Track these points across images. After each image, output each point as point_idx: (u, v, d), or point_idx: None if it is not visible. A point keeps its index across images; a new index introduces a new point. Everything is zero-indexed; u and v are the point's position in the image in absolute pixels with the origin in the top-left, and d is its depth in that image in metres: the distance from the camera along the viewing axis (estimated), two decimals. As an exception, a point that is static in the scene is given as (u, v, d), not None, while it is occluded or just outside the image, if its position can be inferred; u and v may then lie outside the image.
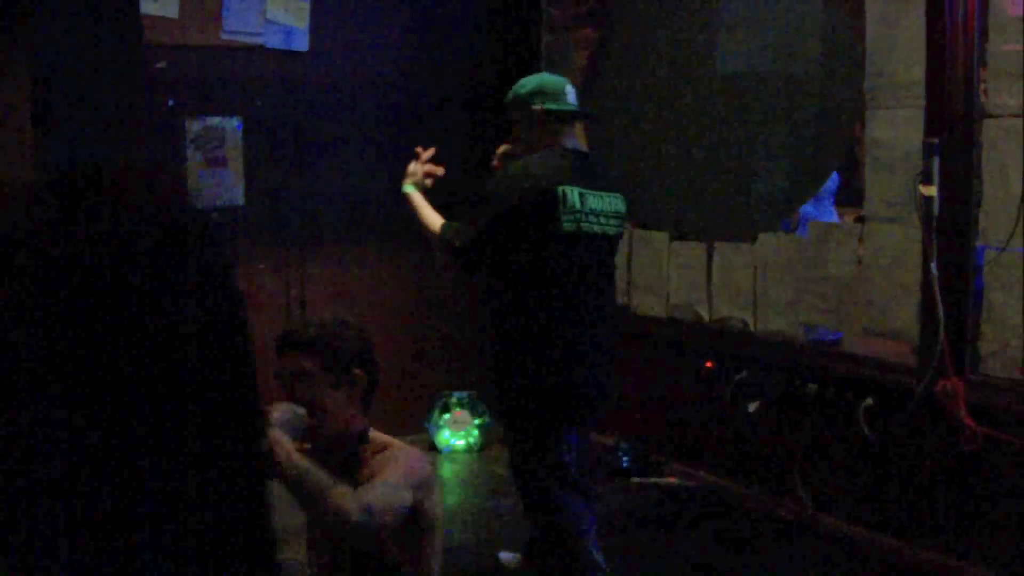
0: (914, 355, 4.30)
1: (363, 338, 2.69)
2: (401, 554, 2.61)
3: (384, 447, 2.65)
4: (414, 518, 2.58)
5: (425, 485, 2.59)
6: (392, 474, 2.53)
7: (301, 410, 2.56)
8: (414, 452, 2.68)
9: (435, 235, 3.69)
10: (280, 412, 2.54)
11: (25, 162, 4.12)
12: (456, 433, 6.08)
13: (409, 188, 3.83)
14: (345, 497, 2.41)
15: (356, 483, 2.53)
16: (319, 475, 2.42)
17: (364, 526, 2.41)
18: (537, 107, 3.71)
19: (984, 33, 3.97)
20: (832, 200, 5.53)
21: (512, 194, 3.53)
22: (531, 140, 3.75)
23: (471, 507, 5.29)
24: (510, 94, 3.84)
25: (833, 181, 5.25)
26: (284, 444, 2.48)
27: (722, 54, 5.20)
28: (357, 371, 2.63)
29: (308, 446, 2.63)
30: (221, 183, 5.47)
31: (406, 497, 2.51)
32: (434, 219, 3.73)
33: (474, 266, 3.69)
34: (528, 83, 3.82)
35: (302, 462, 2.45)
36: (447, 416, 6.09)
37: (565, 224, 3.52)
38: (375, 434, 2.70)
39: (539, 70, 6.39)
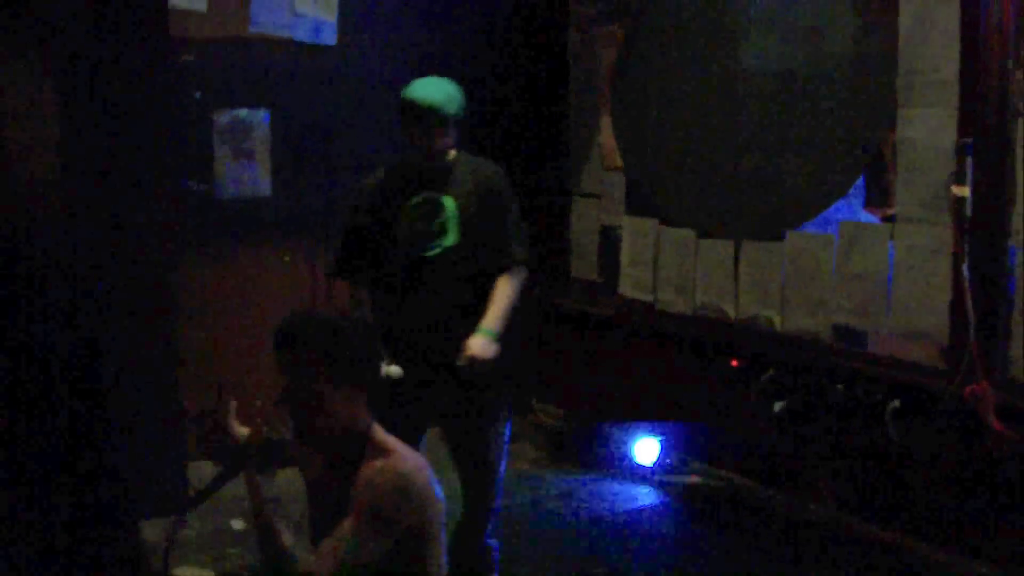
0: (943, 357, 4.25)
1: (368, 334, 2.66)
2: (402, 564, 2.58)
3: (384, 452, 2.59)
4: (409, 541, 2.55)
5: (416, 510, 2.53)
6: (370, 513, 2.49)
7: (283, 432, 2.54)
8: (402, 475, 2.55)
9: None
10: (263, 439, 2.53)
11: (51, 159, 4.13)
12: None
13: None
14: (312, 565, 2.43)
15: (351, 489, 2.53)
16: (284, 542, 2.44)
17: None
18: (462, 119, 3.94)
19: (1020, 31, 3.91)
20: (861, 199, 5.47)
21: None
22: (452, 147, 3.90)
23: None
24: (457, 105, 3.86)
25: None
26: (258, 492, 2.49)
27: (751, 51, 5.16)
28: (363, 369, 2.60)
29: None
30: (248, 175, 5.48)
31: (385, 538, 2.50)
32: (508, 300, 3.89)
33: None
34: (458, 92, 3.91)
35: (271, 520, 2.46)
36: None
37: None
38: (379, 435, 2.64)
39: (567, 68, 6.38)
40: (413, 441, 3.69)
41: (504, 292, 3.88)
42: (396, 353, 3.72)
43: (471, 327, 3.80)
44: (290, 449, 2.58)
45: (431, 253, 3.83)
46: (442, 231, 3.85)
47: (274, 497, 2.50)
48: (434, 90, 3.84)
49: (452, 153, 3.93)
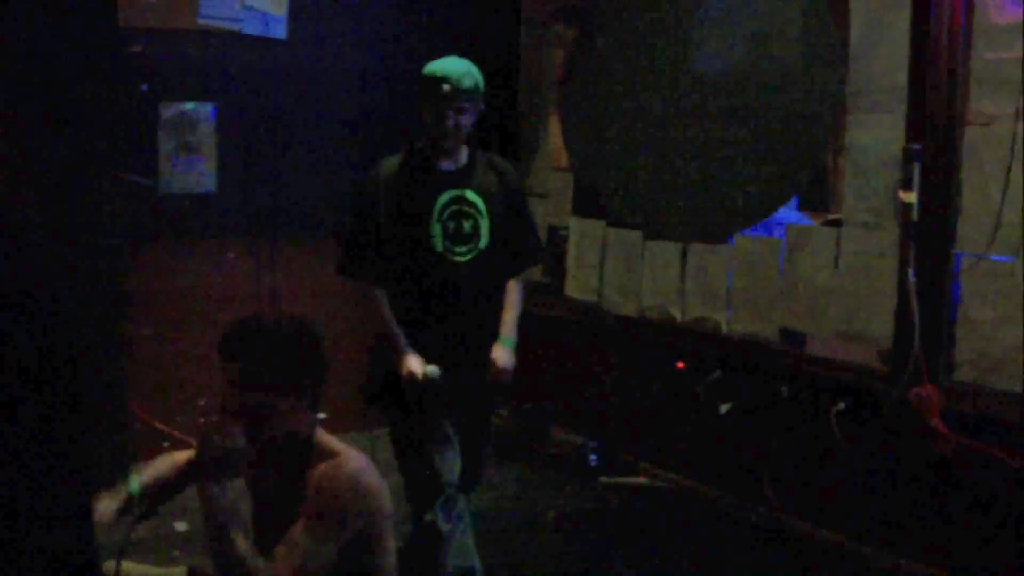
0: (889, 360, 4.31)
1: (312, 337, 2.60)
2: (356, 564, 2.57)
3: (330, 454, 2.56)
4: (359, 542, 2.54)
5: (366, 510, 2.53)
6: (323, 514, 2.47)
7: (237, 440, 2.49)
8: (351, 476, 2.53)
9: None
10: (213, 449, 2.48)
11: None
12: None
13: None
14: (270, 572, 2.40)
15: (300, 494, 2.51)
16: (239, 549, 2.41)
17: None
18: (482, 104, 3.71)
19: (969, 40, 3.98)
20: (794, 202, 5.51)
21: None
22: (467, 137, 3.70)
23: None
24: (482, 83, 3.64)
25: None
26: (211, 501, 2.44)
27: (700, 53, 5.19)
28: (306, 374, 2.56)
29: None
30: (193, 170, 5.39)
31: (339, 539, 2.49)
32: (521, 306, 3.82)
33: None
34: (480, 73, 3.67)
35: (226, 529, 2.42)
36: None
37: None
38: (323, 437, 2.62)
39: (517, 67, 6.37)
40: (444, 435, 3.63)
41: (517, 298, 3.80)
42: (424, 352, 3.60)
43: (493, 330, 3.74)
44: (244, 457, 2.53)
45: (466, 258, 3.65)
46: (475, 233, 3.67)
47: (228, 505, 2.45)
48: (467, 68, 3.62)
49: (467, 148, 3.74)
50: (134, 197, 5.16)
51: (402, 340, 3.61)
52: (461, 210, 3.64)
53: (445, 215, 3.62)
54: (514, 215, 3.78)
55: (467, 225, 3.65)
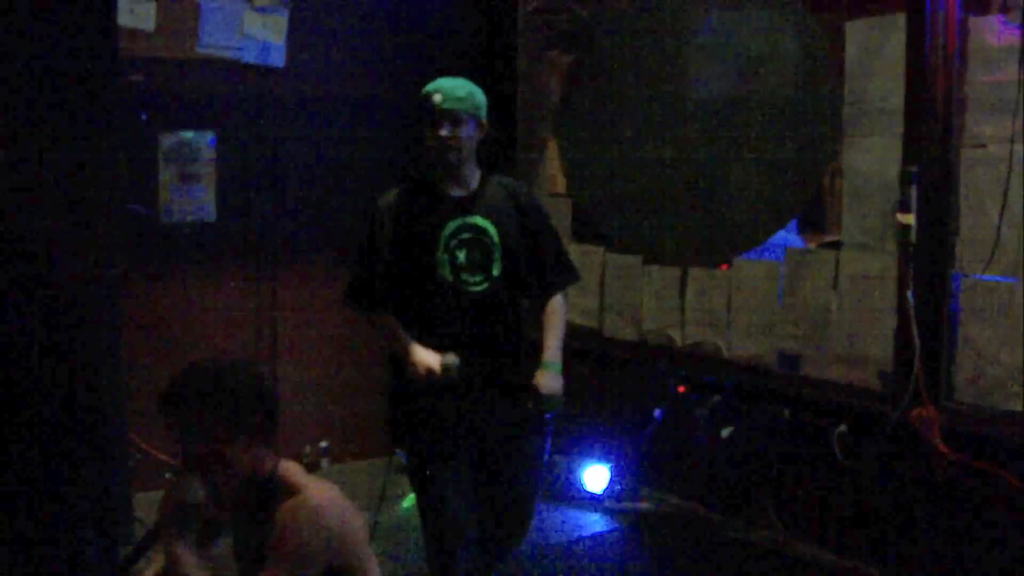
0: (889, 382, 4.30)
1: (256, 375, 2.59)
2: None
3: (295, 490, 2.53)
4: (333, 572, 2.51)
5: (332, 545, 2.49)
6: (289, 555, 2.44)
7: (194, 492, 2.49)
8: (312, 512, 2.49)
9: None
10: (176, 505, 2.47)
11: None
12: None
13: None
14: None
15: (270, 532, 2.48)
16: None
17: None
18: (485, 122, 3.59)
19: (964, 62, 4.01)
20: (794, 225, 5.52)
21: None
22: (472, 156, 3.56)
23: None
24: (480, 98, 3.55)
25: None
26: (184, 559, 2.43)
27: (697, 79, 5.21)
28: (255, 415, 2.53)
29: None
30: (193, 199, 5.41)
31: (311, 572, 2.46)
32: (563, 327, 3.65)
33: None
34: (480, 91, 3.57)
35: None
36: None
37: None
38: (287, 472, 2.59)
39: (515, 92, 6.39)
40: (453, 475, 3.44)
41: (559, 320, 3.60)
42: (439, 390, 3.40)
43: (514, 357, 3.55)
44: (203, 509, 2.51)
45: (480, 288, 3.46)
46: (487, 262, 3.47)
47: (195, 560, 2.45)
48: (461, 81, 3.50)
49: (478, 173, 3.58)
50: (134, 226, 5.17)
51: (411, 342, 3.41)
52: (471, 238, 3.47)
53: (453, 244, 3.44)
54: (536, 239, 3.61)
55: (479, 254, 3.47)
